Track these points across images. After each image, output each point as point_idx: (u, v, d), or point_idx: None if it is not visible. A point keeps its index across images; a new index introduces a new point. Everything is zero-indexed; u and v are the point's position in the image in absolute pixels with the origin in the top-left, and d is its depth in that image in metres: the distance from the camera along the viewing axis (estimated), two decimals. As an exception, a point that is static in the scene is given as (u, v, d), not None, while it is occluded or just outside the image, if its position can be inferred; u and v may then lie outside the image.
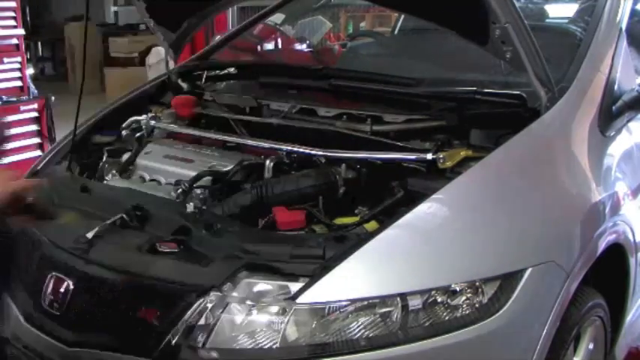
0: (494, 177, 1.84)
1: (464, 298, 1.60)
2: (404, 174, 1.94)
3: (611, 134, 2.14)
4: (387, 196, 1.86)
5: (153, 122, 2.50)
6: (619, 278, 2.14)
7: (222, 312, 1.60)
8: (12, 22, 4.56)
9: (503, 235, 1.71)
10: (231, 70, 2.82)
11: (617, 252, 2.05)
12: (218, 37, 3.29)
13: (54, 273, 1.84)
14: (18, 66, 4.64)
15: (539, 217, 1.79)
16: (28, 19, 10.16)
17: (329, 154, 2.04)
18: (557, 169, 1.94)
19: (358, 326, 1.56)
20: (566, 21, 2.70)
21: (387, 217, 1.74)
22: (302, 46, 3.63)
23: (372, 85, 2.27)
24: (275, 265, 1.63)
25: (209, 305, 1.61)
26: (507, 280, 1.63)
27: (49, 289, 1.82)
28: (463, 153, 1.93)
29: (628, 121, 2.20)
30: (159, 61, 7.46)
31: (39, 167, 2.39)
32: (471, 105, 2.04)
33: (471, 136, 1.97)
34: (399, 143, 2.05)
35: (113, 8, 11.26)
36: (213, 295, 1.62)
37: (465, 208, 1.75)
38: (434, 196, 1.72)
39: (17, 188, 1.89)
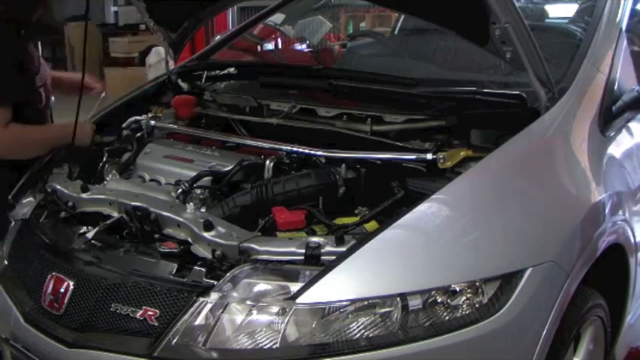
0: (494, 177, 1.84)
1: (464, 298, 1.60)
2: (404, 174, 1.94)
3: (611, 134, 2.14)
4: (387, 196, 1.86)
5: (153, 122, 2.50)
6: (619, 278, 2.14)
7: (222, 312, 1.60)
8: (12, 22, 4.56)
9: (503, 235, 1.71)
10: (231, 70, 2.82)
11: (617, 252, 2.05)
12: (218, 37, 3.30)
13: (54, 273, 1.84)
14: (18, 66, 4.63)
15: (539, 217, 1.79)
16: (28, 19, 10.13)
17: (329, 154, 2.05)
18: (557, 169, 1.94)
19: (358, 326, 1.55)
20: (566, 21, 2.70)
21: (387, 217, 1.74)
22: (302, 46, 3.63)
23: (372, 85, 2.27)
24: (275, 265, 1.64)
25: (209, 305, 1.61)
26: (507, 280, 1.63)
27: (49, 289, 1.83)
28: (463, 153, 1.93)
29: (628, 121, 2.21)
30: (159, 61, 7.46)
31: (39, 167, 2.39)
32: (471, 105, 2.03)
33: (471, 136, 1.97)
34: (399, 143, 2.06)
35: (113, 8, 11.25)
36: (213, 295, 1.62)
37: (465, 208, 1.75)
38: (434, 196, 1.72)
39: None
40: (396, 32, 3.53)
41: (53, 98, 4.88)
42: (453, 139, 2.02)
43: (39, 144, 2.41)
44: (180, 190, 1.96)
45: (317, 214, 1.86)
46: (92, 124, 2.51)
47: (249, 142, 2.25)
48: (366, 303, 1.57)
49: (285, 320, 1.56)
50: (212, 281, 1.66)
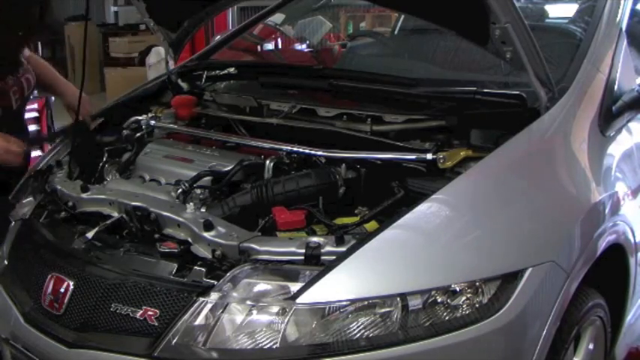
0: (494, 177, 1.84)
1: (464, 298, 1.60)
2: (404, 174, 1.94)
3: (611, 134, 2.14)
4: (387, 196, 1.86)
5: (153, 122, 2.50)
6: (619, 278, 2.14)
7: (222, 312, 1.60)
8: (12, 22, 4.56)
9: (503, 235, 1.71)
10: (231, 70, 2.82)
11: (617, 252, 2.05)
12: (218, 37, 3.30)
13: (54, 273, 1.84)
14: (18, 66, 4.63)
15: (539, 217, 1.79)
16: (28, 19, 10.12)
17: (329, 154, 2.05)
18: (557, 169, 1.94)
19: (358, 326, 1.55)
20: (566, 21, 2.70)
21: (387, 217, 1.74)
22: (302, 46, 3.63)
23: (372, 85, 2.27)
24: (275, 265, 1.64)
25: (209, 305, 1.61)
26: (507, 280, 1.63)
27: (49, 289, 1.83)
28: (463, 153, 1.93)
29: (628, 121, 2.20)
30: (159, 61, 7.45)
31: (39, 167, 2.39)
32: (471, 105, 2.03)
33: (471, 136, 1.97)
34: (399, 143, 2.06)
35: (113, 8, 11.24)
36: (213, 295, 1.62)
37: (465, 208, 1.75)
38: (434, 196, 1.72)
39: None
40: (396, 32, 3.53)
41: (53, 98, 4.87)
42: (453, 139, 2.02)
43: None
44: (180, 190, 1.96)
45: (317, 214, 1.86)
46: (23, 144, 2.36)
47: (249, 142, 2.25)
48: (366, 303, 1.57)
49: (285, 320, 1.56)
50: (212, 281, 1.66)
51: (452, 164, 1.91)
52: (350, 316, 1.56)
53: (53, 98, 4.84)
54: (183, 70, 2.80)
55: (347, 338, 1.55)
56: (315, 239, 1.67)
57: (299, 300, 1.56)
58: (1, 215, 2.25)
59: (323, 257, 1.63)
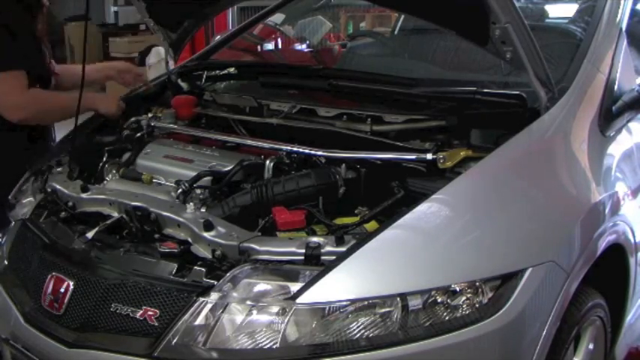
0: (494, 177, 1.84)
1: (464, 298, 1.60)
2: (404, 174, 1.94)
3: (611, 134, 2.14)
4: (387, 196, 1.86)
5: (153, 122, 2.50)
6: (619, 278, 2.14)
7: (222, 312, 1.60)
8: (12, 22, 4.57)
9: (503, 235, 1.71)
10: (231, 70, 2.82)
11: (617, 252, 2.05)
12: (218, 37, 3.30)
13: (54, 273, 1.84)
14: (18, 66, 4.63)
15: (539, 217, 1.79)
16: (28, 19, 10.12)
17: (329, 154, 2.05)
18: (557, 169, 1.94)
19: (358, 326, 1.55)
20: (566, 21, 2.70)
21: (387, 217, 1.74)
22: (302, 46, 3.63)
23: (372, 85, 2.27)
24: (275, 265, 1.64)
25: (209, 305, 1.61)
26: (507, 280, 1.63)
27: (49, 289, 1.83)
28: (463, 153, 1.93)
29: (628, 121, 2.20)
30: (159, 61, 7.44)
31: (39, 167, 2.39)
32: (471, 105, 2.03)
33: (471, 136, 1.97)
34: (399, 143, 2.06)
35: (113, 8, 11.24)
36: (213, 295, 1.62)
37: (465, 208, 1.75)
38: (434, 196, 1.72)
39: None
40: (396, 32, 3.53)
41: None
42: (453, 139, 2.02)
43: (60, 110, 2.50)
44: (180, 190, 1.96)
45: (317, 214, 1.86)
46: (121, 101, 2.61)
47: (249, 142, 2.25)
48: (366, 303, 1.57)
49: (285, 320, 1.57)
50: (212, 281, 1.66)
51: (452, 164, 1.91)
52: (350, 316, 1.56)
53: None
54: (183, 70, 2.80)
55: (347, 338, 1.55)
56: (315, 239, 1.67)
57: (299, 300, 1.56)
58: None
59: (323, 257, 1.63)
